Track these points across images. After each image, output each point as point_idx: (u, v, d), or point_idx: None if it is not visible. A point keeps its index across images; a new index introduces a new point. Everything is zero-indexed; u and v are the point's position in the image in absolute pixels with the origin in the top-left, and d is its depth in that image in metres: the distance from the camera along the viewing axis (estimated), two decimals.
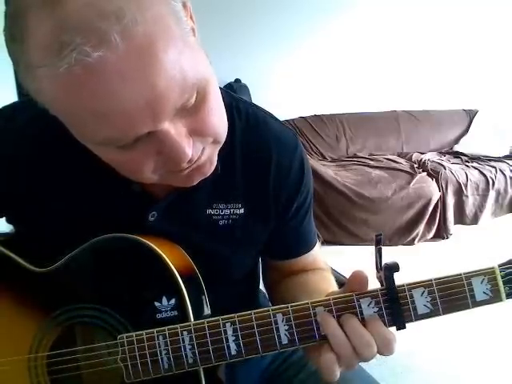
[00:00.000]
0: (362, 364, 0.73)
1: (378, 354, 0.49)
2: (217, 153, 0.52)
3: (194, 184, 0.52)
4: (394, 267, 0.49)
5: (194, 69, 0.42)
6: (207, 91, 0.45)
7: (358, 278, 0.50)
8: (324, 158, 3.18)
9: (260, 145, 0.63)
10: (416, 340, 1.63)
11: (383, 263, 0.50)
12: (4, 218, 0.64)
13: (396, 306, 0.49)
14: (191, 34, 0.44)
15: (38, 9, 0.37)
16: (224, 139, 0.51)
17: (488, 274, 0.49)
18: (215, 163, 0.52)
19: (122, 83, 0.38)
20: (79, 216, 0.58)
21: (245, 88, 2.99)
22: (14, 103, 0.64)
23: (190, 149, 0.44)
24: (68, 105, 0.40)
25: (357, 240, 2.69)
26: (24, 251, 0.58)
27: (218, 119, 0.48)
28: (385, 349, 0.48)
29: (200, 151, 0.47)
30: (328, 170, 2.80)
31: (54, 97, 0.40)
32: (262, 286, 0.81)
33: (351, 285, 0.51)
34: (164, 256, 0.53)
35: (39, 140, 0.58)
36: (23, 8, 0.39)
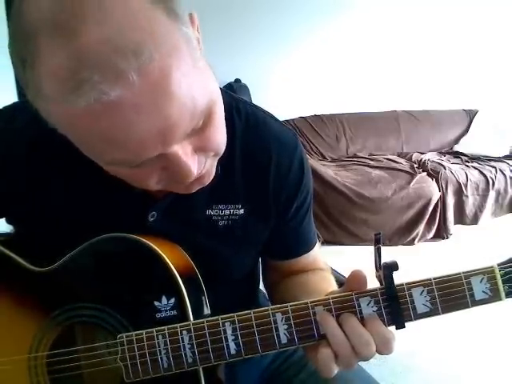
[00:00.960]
0: (362, 364, 0.74)
1: (377, 354, 0.49)
2: (216, 163, 0.52)
3: (193, 192, 0.53)
4: (393, 266, 0.49)
5: (203, 95, 0.43)
6: (213, 112, 0.45)
7: (357, 278, 0.50)
8: (324, 158, 3.18)
9: (260, 145, 0.63)
10: (416, 340, 1.63)
11: (382, 262, 0.50)
12: (4, 218, 0.64)
13: (395, 305, 0.49)
14: (200, 56, 0.44)
15: (50, 37, 0.37)
16: (223, 150, 0.52)
17: (487, 273, 0.49)
18: (214, 173, 0.53)
19: (137, 116, 0.39)
20: (79, 216, 0.58)
21: (245, 88, 2.99)
22: (15, 103, 0.64)
23: (195, 166, 0.45)
24: (80, 132, 0.41)
25: (357, 240, 2.69)
26: (24, 251, 0.58)
27: (220, 136, 0.49)
28: (384, 348, 0.48)
29: (203, 165, 0.48)
30: (328, 170, 2.80)
31: (66, 124, 0.41)
32: (261, 287, 0.81)
33: (350, 284, 0.51)
34: (164, 256, 0.53)
35: (39, 141, 0.58)
36: (32, 31, 0.38)
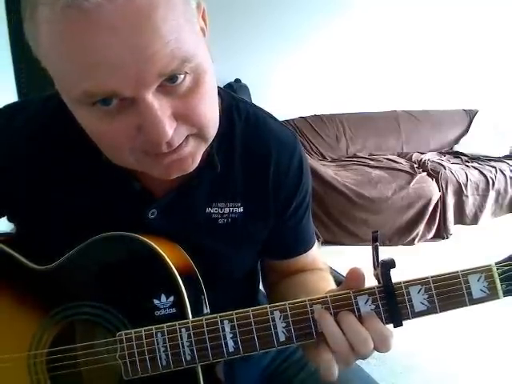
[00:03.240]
0: (362, 364, 0.74)
1: (376, 353, 0.49)
2: (201, 152, 0.51)
3: (172, 178, 0.51)
4: (390, 263, 0.49)
5: (190, 46, 0.42)
6: (202, 79, 0.45)
7: (355, 275, 0.51)
8: (324, 158, 3.18)
9: (260, 144, 0.63)
10: (416, 340, 1.63)
11: (380, 260, 0.50)
12: (6, 217, 0.64)
13: (393, 302, 0.49)
14: (197, 23, 0.45)
15: None
16: (211, 137, 0.51)
17: (485, 271, 0.50)
18: (197, 162, 0.51)
19: (114, 36, 0.38)
20: (79, 214, 0.58)
21: (245, 88, 2.99)
22: (14, 103, 0.64)
23: (170, 129, 0.44)
24: (59, 52, 0.41)
25: (357, 240, 2.69)
26: (25, 250, 0.59)
27: (207, 111, 0.48)
28: (382, 345, 0.48)
29: (183, 138, 0.47)
30: (328, 170, 2.80)
31: (47, 43, 0.41)
32: (261, 287, 0.81)
33: (348, 282, 0.51)
34: (163, 254, 0.53)
35: (39, 139, 0.58)
36: None
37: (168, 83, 0.43)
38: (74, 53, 0.40)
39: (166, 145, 0.45)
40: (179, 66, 0.42)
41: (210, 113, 0.49)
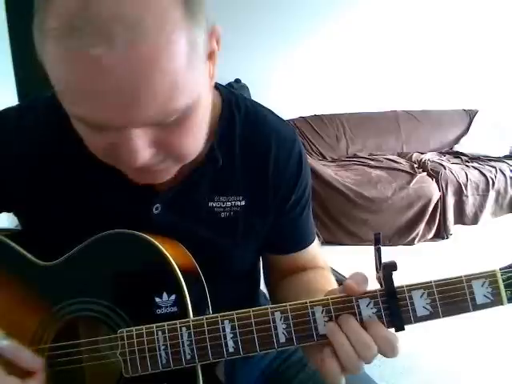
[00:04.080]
0: None
1: (379, 354, 0.49)
2: (177, 168, 0.51)
3: (141, 183, 0.52)
4: (392, 266, 0.49)
5: (184, 95, 0.42)
6: (188, 118, 0.45)
7: (356, 278, 0.50)
8: (324, 157, 3.18)
9: (259, 138, 0.63)
10: (417, 341, 1.63)
11: (382, 263, 0.50)
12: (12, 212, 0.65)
13: (395, 306, 0.49)
14: (203, 59, 0.44)
15: None
16: (191, 159, 0.51)
17: (489, 277, 0.48)
18: (171, 175, 0.51)
19: (110, 80, 0.38)
20: (83, 212, 0.59)
21: (245, 88, 2.99)
22: (19, 105, 0.66)
23: (144, 157, 0.44)
24: (58, 75, 0.41)
25: (357, 240, 2.69)
26: (30, 246, 0.59)
27: (190, 143, 0.48)
28: (388, 350, 0.48)
29: (159, 162, 0.47)
30: (328, 170, 2.80)
31: (51, 60, 0.41)
32: (262, 287, 0.81)
33: (347, 292, 0.51)
34: (166, 252, 0.53)
35: (42, 139, 0.59)
36: None
37: None
38: (72, 82, 0.39)
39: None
40: (169, 117, 0.42)
41: (193, 143, 0.49)
